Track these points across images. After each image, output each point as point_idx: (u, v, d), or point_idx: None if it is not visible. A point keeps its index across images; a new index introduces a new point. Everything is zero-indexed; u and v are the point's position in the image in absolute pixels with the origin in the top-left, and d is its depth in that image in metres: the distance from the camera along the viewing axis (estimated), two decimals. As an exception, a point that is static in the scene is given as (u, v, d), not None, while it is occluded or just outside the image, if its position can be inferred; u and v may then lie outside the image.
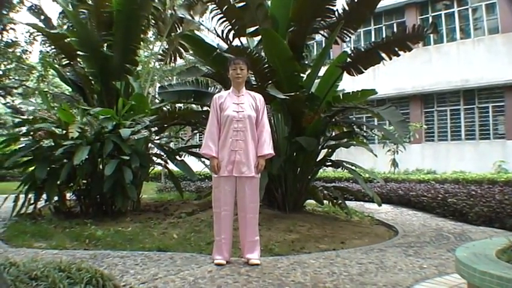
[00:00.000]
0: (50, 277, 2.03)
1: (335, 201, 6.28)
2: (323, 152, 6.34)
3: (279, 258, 3.82)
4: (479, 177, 9.50)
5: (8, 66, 14.84)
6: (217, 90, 6.74)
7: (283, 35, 5.60)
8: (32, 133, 6.15)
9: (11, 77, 15.38)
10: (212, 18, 6.12)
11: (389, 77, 14.10)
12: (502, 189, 6.55)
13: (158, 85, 9.70)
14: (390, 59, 5.42)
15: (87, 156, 5.42)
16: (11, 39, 14.05)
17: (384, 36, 7.56)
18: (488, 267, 2.25)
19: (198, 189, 9.26)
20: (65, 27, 8.26)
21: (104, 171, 5.57)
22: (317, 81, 6.12)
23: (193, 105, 8.18)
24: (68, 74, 7.58)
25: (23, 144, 6.22)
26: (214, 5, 5.88)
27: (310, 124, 5.67)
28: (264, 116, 3.76)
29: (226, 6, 5.78)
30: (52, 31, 7.42)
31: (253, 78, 5.91)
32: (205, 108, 6.84)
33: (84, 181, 6.18)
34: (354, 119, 8.67)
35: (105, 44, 7.01)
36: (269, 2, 6.07)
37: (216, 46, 6.32)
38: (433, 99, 14.85)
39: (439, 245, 4.46)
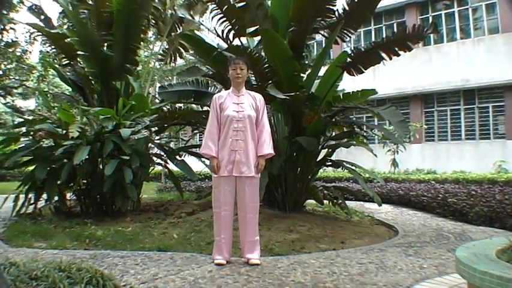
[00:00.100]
0: (50, 277, 2.03)
1: (335, 201, 6.28)
2: (323, 152, 6.34)
3: (279, 258, 3.82)
4: (479, 177, 9.50)
5: (8, 66, 14.86)
6: (217, 90, 6.74)
7: (283, 35, 5.60)
8: (32, 133, 6.15)
9: (11, 77, 15.39)
10: (212, 18, 6.12)
11: (390, 77, 14.09)
12: (502, 189, 6.55)
13: (158, 85, 9.72)
14: (390, 59, 5.41)
15: (87, 156, 5.42)
16: (11, 39, 14.07)
17: (384, 36, 7.56)
18: (489, 267, 2.25)
19: (198, 189, 9.26)
20: (65, 27, 8.27)
21: (104, 171, 5.57)
22: (317, 81, 6.12)
23: (194, 105, 8.18)
24: (68, 74, 7.58)
25: (23, 144, 6.22)
26: (214, 5, 5.88)
27: (310, 124, 5.67)
28: (264, 115, 3.76)
29: (226, 6, 5.77)
30: (52, 31, 7.43)
31: (253, 78, 5.91)
32: (205, 108, 6.85)
33: (84, 181, 6.18)
34: (354, 119, 8.66)
35: (105, 44, 7.02)
36: (269, 2, 6.07)
37: (216, 46, 6.31)
38: (433, 99, 14.84)
39: (439, 245, 4.46)
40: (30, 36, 13.88)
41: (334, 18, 5.77)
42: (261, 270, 3.35)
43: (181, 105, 7.65)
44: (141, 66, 10.13)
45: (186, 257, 3.80)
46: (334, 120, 5.96)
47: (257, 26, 5.95)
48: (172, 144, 8.46)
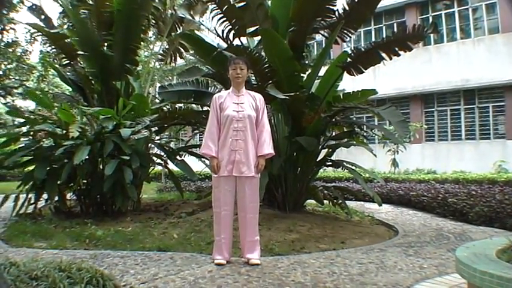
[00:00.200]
0: (50, 277, 2.03)
1: (335, 201, 6.28)
2: (323, 152, 6.34)
3: (279, 258, 3.82)
4: (479, 177, 9.50)
5: (9, 66, 14.86)
6: (217, 90, 6.74)
7: (284, 35, 5.60)
8: (32, 133, 6.15)
9: (11, 77, 15.39)
10: (212, 18, 6.12)
11: (390, 77, 14.10)
12: (502, 189, 6.55)
13: (158, 85, 9.71)
14: (390, 59, 5.41)
15: (87, 156, 5.43)
16: (11, 39, 14.07)
17: (384, 36, 7.56)
18: (489, 267, 2.25)
19: (198, 189, 9.27)
20: (65, 27, 8.27)
21: (104, 171, 5.57)
22: (317, 81, 6.12)
23: (194, 105, 8.18)
24: (68, 74, 7.58)
25: (23, 144, 6.22)
26: (215, 5, 5.88)
27: (311, 124, 5.67)
28: (264, 115, 3.76)
29: (226, 6, 5.77)
30: (52, 31, 7.43)
31: (253, 78, 5.91)
32: (205, 108, 6.84)
33: (85, 181, 6.18)
34: (354, 118, 8.67)
35: (106, 44, 7.02)
36: (269, 2, 6.06)
37: (216, 46, 6.31)
38: (433, 99, 14.84)
39: (439, 245, 4.46)
40: (30, 36, 13.89)
41: (334, 18, 5.77)
42: (261, 270, 3.35)
43: (181, 105, 7.65)
44: (141, 66, 10.13)
45: (186, 257, 3.80)
46: (334, 120, 5.96)
47: (257, 26, 5.95)
48: (172, 144, 8.46)
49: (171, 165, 6.91)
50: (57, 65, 8.19)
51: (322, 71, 6.21)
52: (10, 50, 14.18)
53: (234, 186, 3.63)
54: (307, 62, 6.43)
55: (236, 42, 6.17)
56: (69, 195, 6.42)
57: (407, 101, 15.22)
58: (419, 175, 11.02)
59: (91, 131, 6.00)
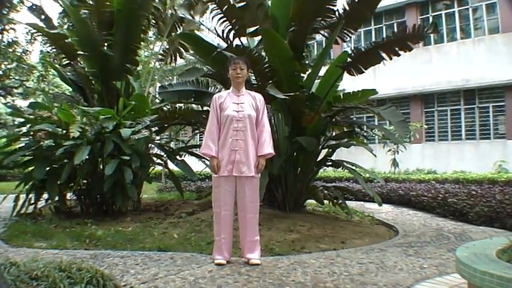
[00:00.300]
0: (50, 277, 2.03)
1: (335, 201, 6.28)
2: (323, 152, 6.34)
3: (280, 258, 3.82)
4: (479, 177, 9.50)
5: (9, 66, 14.85)
6: (217, 90, 6.74)
7: (284, 35, 5.60)
8: (32, 133, 6.15)
9: (11, 77, 15.38)
10: (212, 18, 6.12)
11: (390, 77, 14.09)
12: (503, 189, 6.54)
13: (158, 85, 9.72)
14: (390, 58, 5.41)
15: (87, 156, 5.42)
16: (11, 39, 14.06)
17: (384, 36, 7.56)
18: (489, 267, 2.25)
19: (199, 189, 9.27)
20: (66, 27, 8.27)
21: (104, 171, 5.57)
22: (317, 81, 6.12)
23: (194, 105, 8.18)
24: (69, 73, 7.58)
25: (23, 144, 6.22)
26: (215, 5, 5.88)
27: (311, 124, 5.67)
28: (264, 115, 3.75)
29: (226, 6, 5.77)
30: (52, 31, 7.43)
31: (253, 78, 5.91)
32: (205, 108, 6.84)
33: (85, 181, 6.18)
34: (354, 118, 8.66)
35: (106, 44, 7.02)
36: (269, 2, 6.06)
37: (216, 46, 6.31)
38: (433, 99, 14.84)
39: (440, 245, 4.46)
40: (30, 36, 13.88)
41: (335, 18, 5.77)
42: (261, 270, 3.35)
43: (181, 105, 7.66)
44: (141, 66, 10.14)
45: (187, 257, 3.80)
46: (334, 120, 5.96)
47: (257, 26, 5.95)
48: (172, 144, 8.46)
49: (171, 165, 6.91)
50: (57, 65, 8.19)
51: (323, 71, 6.21)
52: (10, 50, 14.18)
53: (234, 186, 3.63)
54: (307, 62, 6.43)
55: (236, 42, 6.17)
56: (69, 195, 6.42)
57: (407, 101, 15.22)
58: (420, 175, 11.02)
59: (91, 131, 5.99)
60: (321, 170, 8.95)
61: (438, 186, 7.97)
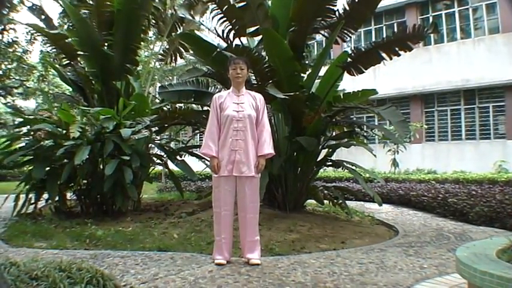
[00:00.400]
0: (50, 277, 2.03)
1: (335, 201, 6.28)
2: (323, 152, 6.34)
3: (280, 258, 3.82)
4: (479, 177, 9.49)
5: (9, 66, 14.85)
6: (217, 90, 6.75)
7: (284, 35, 5.60)
8: (32, 133, 6.15)
9: (11, 77, 15.38)
10: (212, 18, 6.12)
11: (390, 77, 14.09)
12: (503, 189, 6.54)
13: (158, 85, 9.72)
14: (391, 58, 5.41)
15: (87, 156, 5.42)
16: (12, 39, 14.06)
17: (385, 36, 7.55)
18: (489, 267, 2.25)
19: (199, 189, 9.27)
20: (66, 27, 8.27)
21: (105, 171, 5.57)
22: (317, 81, 6.12)
23: (194, 105, 8.19)
24: (69, 73, 7.59)
25: (23, 144, 6.22)
26: (215, 5, 5.88)
27: (311, 124, 5.67)
28: (264, 115, 3.75)
29: (226, 6, 5.77)
30: (52, 31, 7.43)
31: (253, 78, 5.91)
32: (205, 108, 6.84)
33: (85, 181, 6.18)
34: (355, 118, 8.67)
35: (106, 44, 7.02)
36: (269, 2, 6.07)
37: (216, 46, 6.31)
38: (433, 99, 14.84)
39: (440, 245, 4.46)
40: (30, 36, 13.88)
41: (335, 18, 5.77)
42: (261, 270, 3.35)
43: (181, 105, 7.66)
44: (141, 66, 10.14)
45: (187, 257, 3.80)
46: (334, 120, 5.96)
47: (257, 26, 5.95)
48: (172, 144, 8.47)
49: (171, 165, 6.91)
50: (57, 65, 8.20)
51: (323, 71, 6.21)
52: (10, 50, 14.18)
53: (234, 186, 3.63)
54: (307, 62, 6.43)
55: (236, 42, 6.17)
56: (69, 195, 6.42)
57: (407, 101, 15.22)
58: (420, 175, 11.01)
59: (91, 131, 5.99)
60: (321, 170, 8.94)
61: (438, 186, 7.96)
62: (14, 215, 6.00)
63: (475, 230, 5.31)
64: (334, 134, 6.64)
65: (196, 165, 7.61)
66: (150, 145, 7.15)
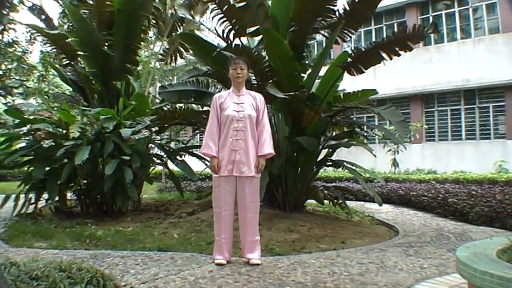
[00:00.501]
0: (50, 277, 2.03)
1: (335, 201, 6.28)
2: (323, 152, 6.34)
3: (280, 258, 3.82)
4: (479, 177, 9.49)
5: (9, 66, 14.85)
6: (217, 90, 6.75)
7: (284, 35, 5.60)
8: (32, 133, 6.15)
9: (11, 77, 15.38)
10: (212, 18, 6.12)
11: (390, 77, 14.08)
12: (503, 189, 6.54)
13: (159, 85, 9.72)
14: (391, 58, 5.41)
15: (87, 156, 5.42)
16: (12, 39, 14.06)
17: (385, 36, 7.55)
18: (489, 267, 2.25)
19: (199, 189, 9.27)
20: (66, 27, 8.27)
21: (105, 171, 5.57)
22: (317, 81, 6.12)
23: (194, 105, 8.19)
24: (69, 73, 7.59)
25: (24, 144, 6.22)
26: (215, 5, 5.88)
27: (311, 124, 5.67)
28: (265, 115, 3.75)
29: (226, 6, 5.77)
30: (52, 31, 7.43)
31: (254, 78, 5.91)
32: (205, 108, 6.84)
33: (85, 181, 6.18)
34: (355, 118, 8.67)
35: (106, 44, 7.02)
36: (269, 2, 6.06)
37: (216, 46, 6.31)
38: (433, 99, 14.84)
39: (440, 245, 4.46)
40: (30, 36, 13.87)
41: (335, 18, 5.77)
42: (262, 270, 3.35)
43: (181, 105, 7.66)
44: (141, 66, 10.14)
45: (187, 257, 3.80)
46: (334, 120, 5.96)
47: (257, 26, 5.95)
48: (172, 144, 8.47)
49: (172, 165, 6.91)
50: (57, 65, 8.20)
51: (323, 71, 6.21)
52: (10, 50, 14.18)
53: (234, 186, 3.63)
54: (307, 62, 6.43)
55: (236, 42, 6.16)
56: (69, 195, 6.42)
57: (407, 101, 15.22)
58: (420, 175, 11.01)
59: (91, 131, 5.99)
60: (321, 170, 8.94)
61: (438, 186, 7.96)
62: (14, 215, 6.00)
63: (475, 230, 5.32)
64: (334, 134, 6.64)
65: (197, 165, 7.61)
66: (150, 145, 7.15)
